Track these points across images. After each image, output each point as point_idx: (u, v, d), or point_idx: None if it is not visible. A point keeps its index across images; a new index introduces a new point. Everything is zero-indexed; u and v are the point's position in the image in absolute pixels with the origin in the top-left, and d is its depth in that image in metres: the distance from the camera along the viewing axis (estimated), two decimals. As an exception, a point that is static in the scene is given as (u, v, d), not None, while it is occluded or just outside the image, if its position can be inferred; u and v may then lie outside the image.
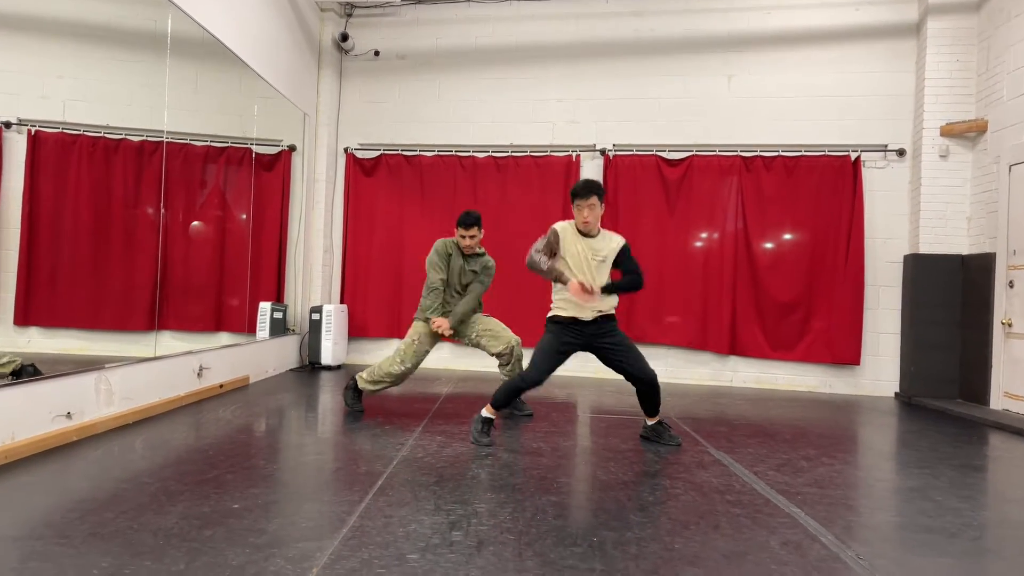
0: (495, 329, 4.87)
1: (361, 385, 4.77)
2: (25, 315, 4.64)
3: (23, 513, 2.50)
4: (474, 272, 4.89)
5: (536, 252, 3.92)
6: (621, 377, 4.06)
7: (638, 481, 3.31)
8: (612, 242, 4.04)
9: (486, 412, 4.03)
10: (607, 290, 3.92)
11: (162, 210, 4.99)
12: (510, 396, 4.02)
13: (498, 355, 4.82)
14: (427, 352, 4.80)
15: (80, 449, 3.46)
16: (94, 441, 3.63)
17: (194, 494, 2.77)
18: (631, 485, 3.23)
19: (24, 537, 2.26)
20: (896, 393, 6.78)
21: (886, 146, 6.84)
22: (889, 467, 3.86)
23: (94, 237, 4.99)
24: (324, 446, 3.81)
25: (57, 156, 4.79)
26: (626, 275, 4.03)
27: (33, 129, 4.60)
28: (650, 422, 4.17)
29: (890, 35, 6.89)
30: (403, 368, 4.69)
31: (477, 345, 4.90)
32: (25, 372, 3.60)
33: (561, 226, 4.01)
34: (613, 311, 4.04)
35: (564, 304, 3.98)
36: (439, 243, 4.87)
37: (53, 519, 2.44)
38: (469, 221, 4.78)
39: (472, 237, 4.80)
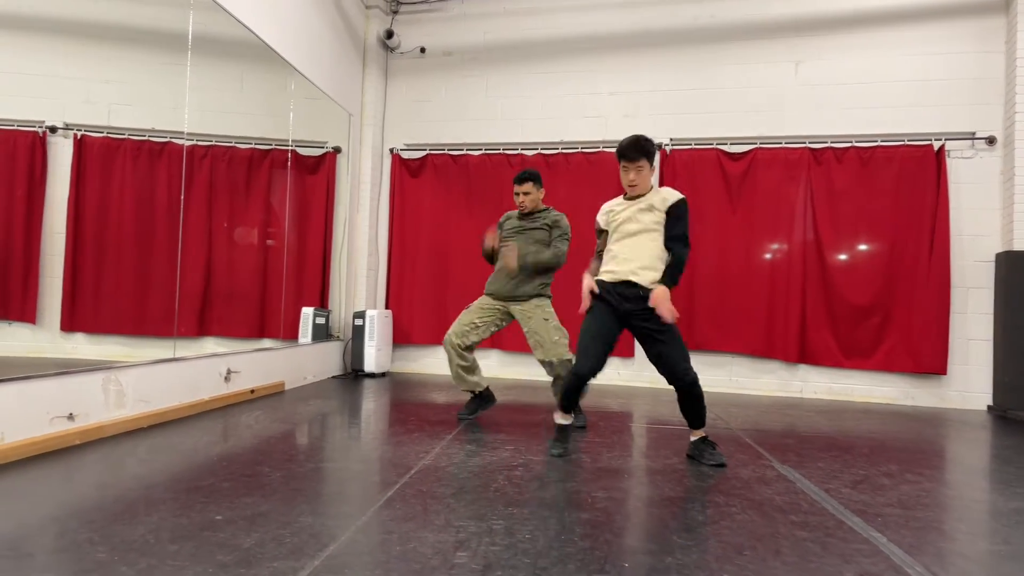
0: (541, 334, 4.36)
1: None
2: (71, 321, 4.53)
3: (-14, 520, 2.25)
4: (538, 230, 4.49)
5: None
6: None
7: (687, 497, 2.88)
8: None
9: (558, 418, 3.68)
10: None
11: (181, 213, 4.78)
12: (567, 396, 3.62)
13: (541, 363, 4.45)
14: (473, 322, 4.47)
15: (80, 453, 3.23)
16: (98, 445, 3.40)
17: (177, 503, 2.48)
18: (678, 502, 2.80)
19: (-31, 547, 2.00)
20: (989, 406, 6.10)
21: (974, 134, 6.22)
22: (986, 486, 3.32)
23: (137, 242, 4.86)
24: (341, 453, 3.50)
25: (102, 161, 4.67)
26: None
27: (79, 134, 4.50)
28: (693, 437, 3.66)
29: (975, 12, 6.28)
30: (450, 342, 4.42)
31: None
32: None
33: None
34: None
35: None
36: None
37: (12, 529, 2.17)
38: (521, 176, 4.48)
39: (526, 194, 4.45)
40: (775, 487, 3.10)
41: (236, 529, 2.22)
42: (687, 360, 3.49)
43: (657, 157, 4.14)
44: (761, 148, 6.60)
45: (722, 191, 6.68)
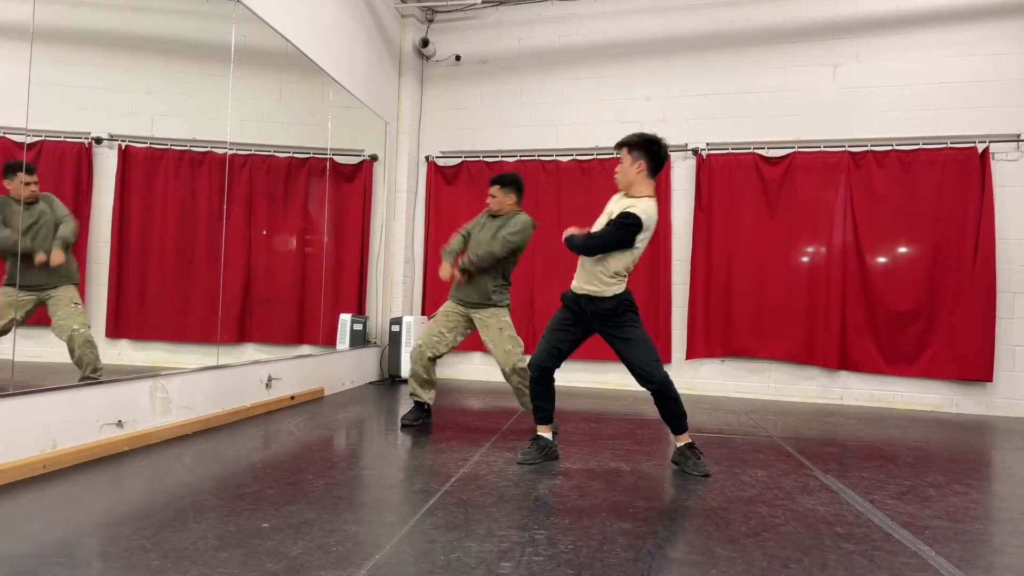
0: (496, 343, 4.34)
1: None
2: (116, 328, 4.64)
3: (38, 528, 2.31)
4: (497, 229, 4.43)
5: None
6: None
7: (729, 508, 2.85)
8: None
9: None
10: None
11: (224, 221, 4.85)
12: (531, 394, 3.66)
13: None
14: (440, 331, 4.42)
15: (128, 460, 3.30)
16: (145, 452, 3.48)
17: (225, 510, 2.53)
18: (720, 512, 2.78)
19: (26, 555, 2.06)
20: (1037, 414, 5.97)
21: (1019, 136, 6.08)
22: (1037, 499, 3.25)
23: (179, 250, 4.96)
24: (381, 460, 3.53)
25: (146, 170, 4.78)
26: None
27: (124, 144, 4.61)
28: (678, 443, 3.54)
29: (1019, 12, 6.14)
30: (419, 352, 4.37)
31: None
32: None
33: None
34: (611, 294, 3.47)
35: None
36: None
37: (66, 535, 2.24)
38: (493, 179, 4.49)
39: (492, 197, 4.43)
40: (818, 497, 3.06)
41: (283, 537, 2.26)
42: (656, 360, 3.44)
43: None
44: (799, 152, 6.52)
45: (759, 195, 6.61)
